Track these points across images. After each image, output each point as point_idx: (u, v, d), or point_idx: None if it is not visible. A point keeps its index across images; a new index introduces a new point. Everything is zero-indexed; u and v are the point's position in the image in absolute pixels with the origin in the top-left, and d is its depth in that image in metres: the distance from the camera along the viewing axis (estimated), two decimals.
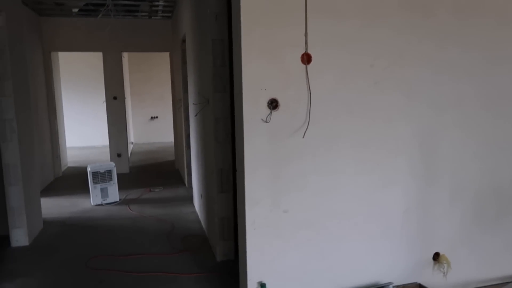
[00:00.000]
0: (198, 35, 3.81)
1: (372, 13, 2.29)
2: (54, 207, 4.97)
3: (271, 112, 2.20)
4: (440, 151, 2.53)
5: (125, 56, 8.65)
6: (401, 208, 2.52)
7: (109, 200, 5.10)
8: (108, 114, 6.89)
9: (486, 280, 2.75)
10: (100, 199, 5.05)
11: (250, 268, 2.30)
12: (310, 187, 2.33)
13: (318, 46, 2.22)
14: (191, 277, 3.06)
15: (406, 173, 2.49)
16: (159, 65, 10.19)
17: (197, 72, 3.95)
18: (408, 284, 2.57)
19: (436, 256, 2.62)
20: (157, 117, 11.10)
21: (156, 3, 5.90)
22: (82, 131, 10.14)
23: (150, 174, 6.99)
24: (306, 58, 2.20)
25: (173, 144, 7.78)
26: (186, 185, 5.88)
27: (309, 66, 2.21)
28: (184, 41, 5.07)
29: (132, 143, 10.51)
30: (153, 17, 6.77)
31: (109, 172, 5.11)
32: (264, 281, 2.32)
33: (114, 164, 5.22)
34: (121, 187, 5.38)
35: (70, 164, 7.76)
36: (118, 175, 5.27)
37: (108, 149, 7.06)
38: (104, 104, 6.92)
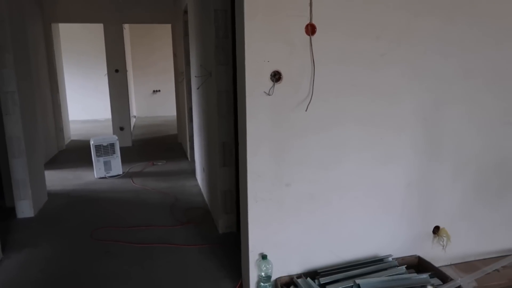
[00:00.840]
0: (200, 5, 3.72)
1: None
2: (58, 179, 5.02)
3: (274, 85, 2.17)
4: (444, 125, 2.51)
5: (126, 28, 8.51)
6: (403, 182, 2.52)
7: (112, 173, 5.14)
8: (110, 88, 6.85)
9: (484, 253, 2.78)
10: (104, 172, 5.09)
11: (251, 240, 2.33)
12: (313, 161, 2.33)
13: (323, 17, 2.16)
14: (194, 248, 3.11)
15: (409, 147, 2.48)
16: (161, 37, 10.06)
17: (200, 44, 3.89)
18: (407, 256, 2.61)
19: (436, 230, 2.65)
20: (159, 90, 11.04)
21: None
22: (85, 105, 10.13)
23: (152, 148, 7.01)
24: (311, 29, 2.15)
25: (175, 117, 7.77)
26: (189, 159, 5.90)
27: (314, 37, 2.16)
28: (186, 12, 4.97)
29: (135, 116, 10.50)
30: None
31: (112, 145, 5.13)
32: (265, 253, 2.35)
33: (116, 138, 5.23)
34: (124, 160, 5.41)
35: (73, 138, 7.79)
36: (121, 148, 5.29)
37: (110, 123, 7.07)
38: (106, 77, 6.87)
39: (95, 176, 5.08)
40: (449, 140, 2.54)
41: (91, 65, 10.00)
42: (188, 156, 5.95)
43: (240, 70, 2.25)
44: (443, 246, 2.66)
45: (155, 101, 11.08)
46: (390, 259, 2.52)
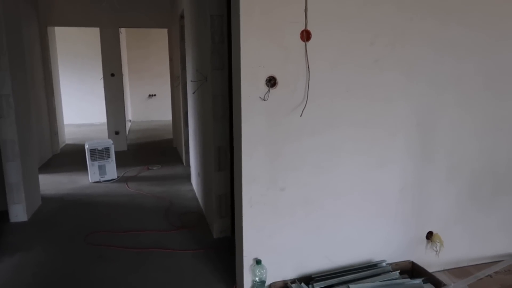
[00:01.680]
0: (196, 10, 3.74)
1: None
2: (52, 183, 4.99)
3: (269, 90, 2.19)
4: (438, 130, 2.54)
5: (123, 32, 8.52)
6: (397, 186, 2.54)
7: (107, 178, 5.12)
8: (106, 92, 6.83)
9: (477, 258, 2.80)
10: (98, 176, 5.07)
11: (246, 244, 2.33)
12: (307, 165, 2.34)
13: (318, 22, 2.18)
14: (188, 253, 3.11)
15: (403, 152, 2.50)
16: (158, 42, 10.05)
17: (196, 49, 3.90)
18: (401, 261, 2.62)
19: (430, 235, 2.66)
20: (155, 95, 11.03)
21: None
22: (80, 108, 10.09)
23: (148, 152, 6.99)
24: (306, 35, 2.17)
25: (171, 122, 7.76)
26: (184, 164, 5.90)
27: (309, 43, 2.19)
28: (182, 17, 4.99)
29: (130, 121, 10.48)
30: None
31: (107, 149, 5.12)
32: (259, 258, 2.35)
33: (112, 142, 5.21)
34: (119, 164, 5.39)
35: (68, 141, 7.75)
36: (116, 152, 5.27)
37: (106, 127, 7.04)
38: (102, 81, 6.86)
39: (90, 180, 5.06)
40: (442, 144, 2.56)
41: (87, 69, 9.98)
42: (184, 161, 5.94)
43: (235, 75, 2.26)
44: (437, 251, 2.68)
45: (150, 105, 11.06)
46: (384, 264, 2.53)
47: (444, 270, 2.72)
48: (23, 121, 3.80)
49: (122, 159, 6.03)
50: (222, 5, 3.01)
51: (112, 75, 6.78)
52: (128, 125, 9.41)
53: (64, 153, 6.83)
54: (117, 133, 6.97)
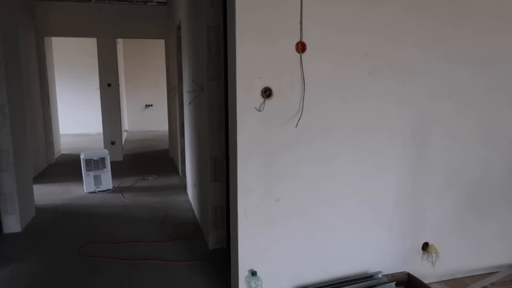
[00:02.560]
0: (193, 22, 3.77)
1: (368, 1, 2.28)
2: (46, 194, 4.96)
3: (264, 101, 2.20)
4: (433, 140, 2.55)
5: (120, 42, 8.56)
6: (393, 197, 2.54)
7: (102, 188, 5.09)
8: (102, 101, 6.84)
9: (473, 270, 2.79)
10: (94, 186, 5.04)
11: (241, 256, 2.32)
12: (303, 176, 2.34)
13: (313, 34, 2.20)
14: (183, 265, 3.08)
15: (398, 162, 2.51)
16: (154, 52, 10.11)
17: (192, 60, 3.92)
18: (397, 273, 2.61)
19: (425, 246, 2.66)
20: (151, 105, 11.04)
21: None
22: (76, 118, 10.08)
23: (144, 163, 6.97)
24: (301, 47, 2.19)
25: (167, 132, 7.76)
26: (180, 174, 5.88)
27: (304, 55, 2.20)
28: (179, 28, 5.02)
29: (126, 131, 10.46)
30: (148, 3, 6.68)
31: (103, 159, 5.10)
32: (255, 269, 2.34)
33: (107, 152, 5.20)
34: (114, 175, 5.37)
35: (63, 151, 7.72)
36: (111, 163, 5.26)
37: (102, 137, 7.03)
38: (98, 91, 6.86)
39: (85, 191, 5.03)
40: (436, 156, 2.58)
41: (83, 79, 9.98)
42: (180, 171, 5.92)
43: (231, 86, 2.27)
44: (432, 262, 2.67)
45: (147, 116, 11.06)
46: (380, 275, 2.52)
47: (440, 282, 2.71)
48: (18, 131, 3.79)
49: (118, 169, 6.00)
50: (219, 16, 3.04)
51: (109, 85, 6.79)
52: (124, 135, 9.39)
53: (59, 163, 6.80)
54: (113, 143, 6.95)
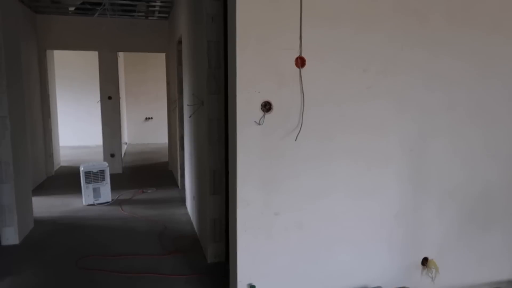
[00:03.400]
0: (194, 36, 3.82)
1: (366, 18, 2.32)
2: (45, 206, 4.94)
3: (264, 115, 2.22)
4: (430, 157, 2.56)
5: (121, 56, 8.64)
6: (391, 212, 2.54)
7: (101, 200, 5.08)
8: (103, 114, 6.87)
9: (473, 285, 2.77)
10: (92, 199, 5.03)
11: (240, 269, 2.31)
12: (302, 190, 2.35)
13: (312, 50, 2.24)
14: (181, 278, 3.06)
15: (397, 177, 2.51)
16: (155, 65, 10.19)
17: (193, 74, 3.96)
18: None
19: (425, 261, 2.65)
20: (151, 118, 11.08)
21: (153, 4, 5.91)
22: (76, 131, 10.10)
23: (143, 175, 6.97)
24: (300, 62, 2.22)
25: (167, 145, 7.77)
26: (179, 187, 5.87)
27: (303, 70, 2.23)
28: (180, 42, 5.08)
29: (126, 143, 10.47)
30: (149, 17, 6.77)
31: (102, 172, 5.09)
32: (253, 283, 2.32)
33: (107, 164, 5.20)
34: (113, 187, 5.36)
35: (63, 163, 7.72)
36: (111, 175, 5.25)
37: (101, 149, 7.04)
38: (99, 103, 6.90)
39: (84, 203, 5.02)
40: (434, 170, 2.58)
41: (84, 91, 10.03)
42: (179, 184, 5.91)
43: (231, 100, 2.30)
44: (432, 278, 2.65)
45: (147, 128, 11.09)
46: None
47: None
48: (18, 143, 3.80)
49: (117, 182, 5.99)
50: (219, 31, 3.08)
51: (110, 97, 6.83)
52: (124, 147, 9.40)
53: (59, 175, 6.79)
54: (112, 155, 6.95)
